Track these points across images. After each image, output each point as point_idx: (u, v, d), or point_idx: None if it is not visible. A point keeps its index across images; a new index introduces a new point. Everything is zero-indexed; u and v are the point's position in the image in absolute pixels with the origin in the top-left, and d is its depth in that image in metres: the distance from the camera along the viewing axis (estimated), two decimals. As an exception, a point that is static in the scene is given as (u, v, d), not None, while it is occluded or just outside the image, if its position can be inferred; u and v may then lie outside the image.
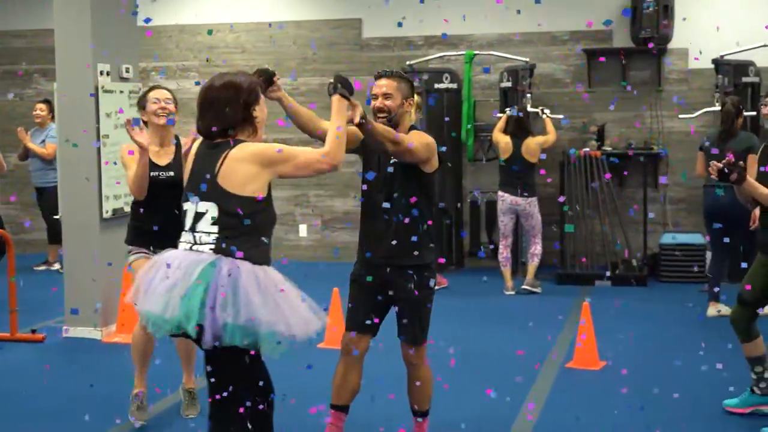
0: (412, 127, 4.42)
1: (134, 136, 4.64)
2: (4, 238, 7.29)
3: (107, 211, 7.12)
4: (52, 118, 9.60)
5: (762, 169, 5.03)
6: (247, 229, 3.39)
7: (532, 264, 8.86)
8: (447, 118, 9.47)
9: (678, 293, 8.56)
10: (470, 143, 9.96)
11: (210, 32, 9.41)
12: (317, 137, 4.15)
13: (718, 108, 9.24)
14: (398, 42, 10.58)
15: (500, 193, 8.93)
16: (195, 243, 3.44)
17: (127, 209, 6.03)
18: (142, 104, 5.08)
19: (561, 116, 9.28)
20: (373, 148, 4.27)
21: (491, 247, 9.92)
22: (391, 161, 4.35)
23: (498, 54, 9.84)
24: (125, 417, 5.10)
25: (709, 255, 9.26)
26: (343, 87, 3.76)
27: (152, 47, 10.76)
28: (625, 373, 5.65)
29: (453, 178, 10.03)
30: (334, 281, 7.19)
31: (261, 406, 3.43)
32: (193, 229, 3.46)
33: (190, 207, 3.49)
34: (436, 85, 9.80)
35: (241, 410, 3.41)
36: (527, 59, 9.72)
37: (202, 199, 3.43)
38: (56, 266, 9.97)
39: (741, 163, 4.76)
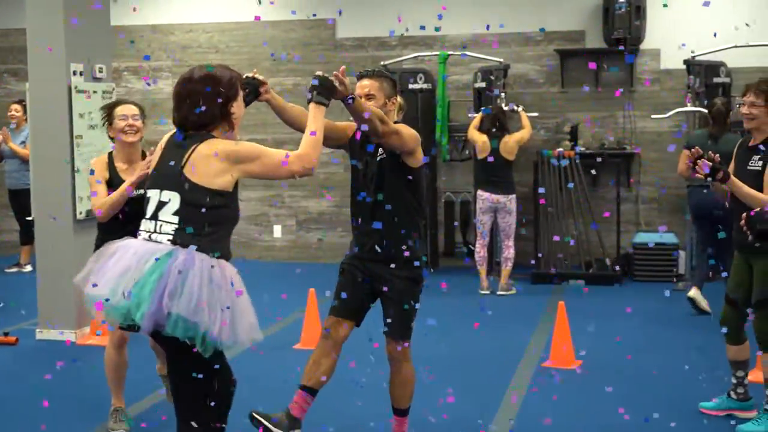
0: None
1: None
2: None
3: (81, 213, 7.07)
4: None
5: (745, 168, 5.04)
6: (207, 222, 3.33)
7: (506, 269, 8.90)
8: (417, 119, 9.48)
9: (651, 292, 8.62)
10: (444, 143, 9.97)
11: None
12: None
13: (689, 108, 9.35)
14: (372, 42, 10.58)
15: (480, 192, 8.94)
16: (154, 231, 3.37)
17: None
18: (108, 120, 5.02)
19: (536, 114, 9.39)
20: (361, 129, 4.20)
21: (472, 247, 9.91)
22: (379, 157, 4.34)
23: (472, 54, 9.86)
24: (101, 419, 5.06)
25: (682, 254, 9.38)
26: (319, 93, 3.64)
27: (124, 47, 10.70)
28: (600, 371, 5.67)
29: (427, 178, 10.01)
30: (310, 282, 7.19)
31: (213, 403, 3.34)
32: (154, 217, 3.39)
33: (153, 195, 3.43)
34: (410, 86, 9.80)
35: (201, 403, 3.31)
36: (501, 59, 9.76)
37: (166, 188, 3.38)
38: (28, 268, 9.89)
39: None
